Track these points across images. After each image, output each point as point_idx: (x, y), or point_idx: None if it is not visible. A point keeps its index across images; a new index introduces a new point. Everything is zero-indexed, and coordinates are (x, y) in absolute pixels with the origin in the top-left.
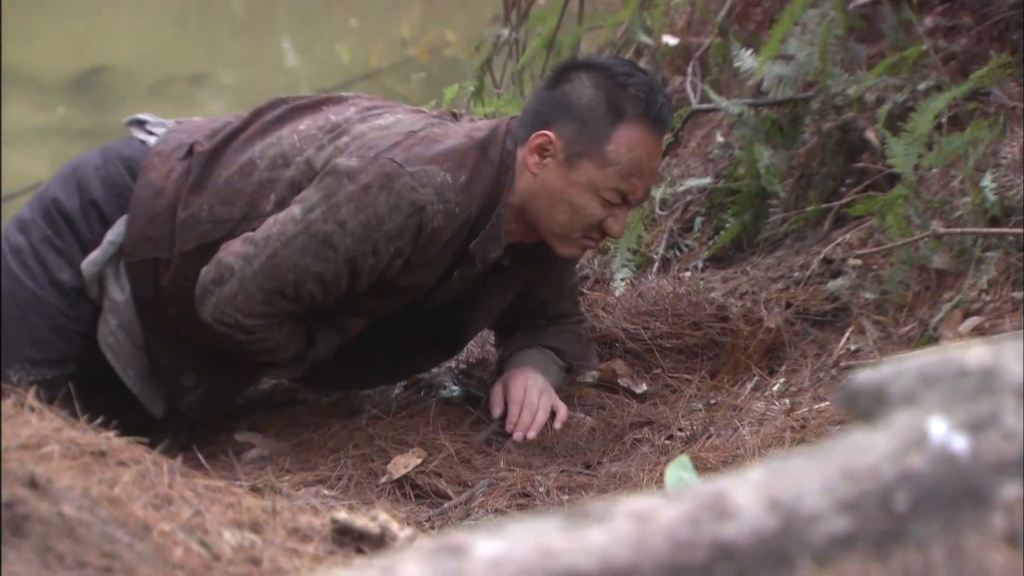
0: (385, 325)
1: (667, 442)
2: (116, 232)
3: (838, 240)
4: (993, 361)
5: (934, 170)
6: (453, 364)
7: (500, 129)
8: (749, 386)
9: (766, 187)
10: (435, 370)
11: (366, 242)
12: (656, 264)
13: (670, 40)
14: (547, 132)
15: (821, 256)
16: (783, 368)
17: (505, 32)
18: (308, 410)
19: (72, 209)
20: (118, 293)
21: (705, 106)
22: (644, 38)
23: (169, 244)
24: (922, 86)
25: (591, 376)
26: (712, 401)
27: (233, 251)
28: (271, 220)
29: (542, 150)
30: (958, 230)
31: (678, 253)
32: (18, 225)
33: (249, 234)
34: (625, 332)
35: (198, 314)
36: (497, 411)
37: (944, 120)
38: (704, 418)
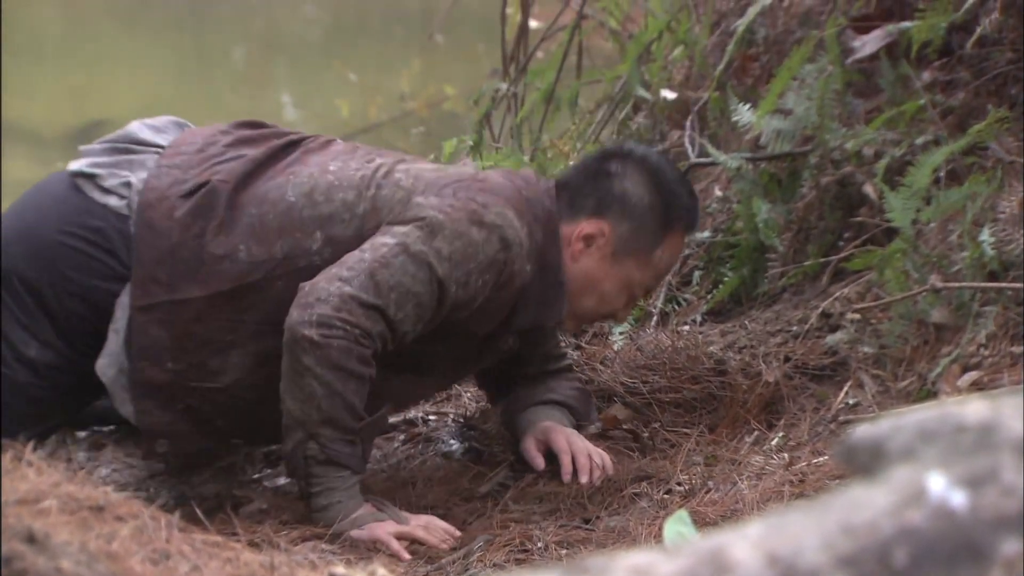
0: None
1: (666, 496)
2: (118, 319)
3: (836, 294)
4: (992, 416)
5: (932, 224)
6: (451, 418)
7: (540, 186)
8: (748, 440)
9: (764, 241)
10: (434, 424)
11: (461, 270)
12: (655, 318)
13: (668, 94)
14: (601, 223)
15: (819, 310)
16: (782, 422)
17: (503, 86)
18: None
19: (38, 282)
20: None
21: (703, 160)
22: (642, 92)
23: (184, 284)
24: (920, 140)
25: (595, 426)
26: (711, 455)
27: (324, 280)
28: (355, 253)
29: (589, 239)
30: (956, 284)
31: (676, 307)
32: None
33: (333, 270)
34: (623, 386)
35: (298, 336)
36: (540, 464)
37: (942, 174)
38: (703, 472)
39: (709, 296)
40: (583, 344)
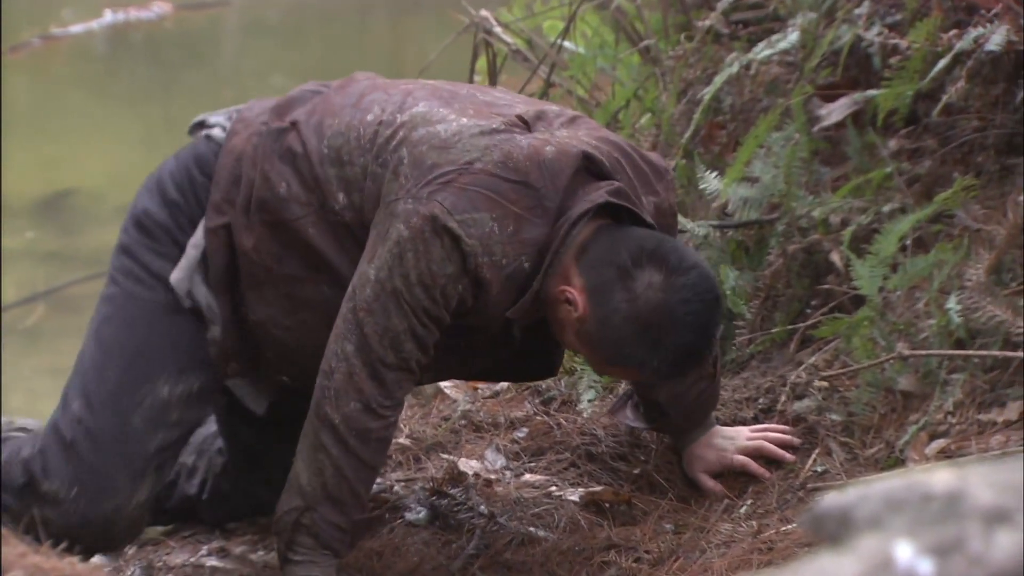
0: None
1: (634, 564)
2: (197, 236)
3: (805, 363)
4: (959, 485)
5: (899, 292)
6: (419, 485)
7: (565, 171)
8: (717, 508)
9: (732, 309)
10: (400, 491)
11: (435, 288)
12: (623, 384)
13: None
14: (584, 302)
15: (788, 379)
16: (750, 490)
17: None
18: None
19: (162, 218)
20: (211, 299)
21: None
22: None
23: (245, 208)
24: (887, 208)
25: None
26: (680, 523)
27: (333, 340)
28: (349, 291)
29: (568, 302)
30: (923, 352)
31: None
32: (121, 250)
33: (337, 322)
34: (592, 452)
35: (320, 412)
36: (718, 488)
37: (909, 242)
38: (671, 540)
39: None
40: (552, 411)
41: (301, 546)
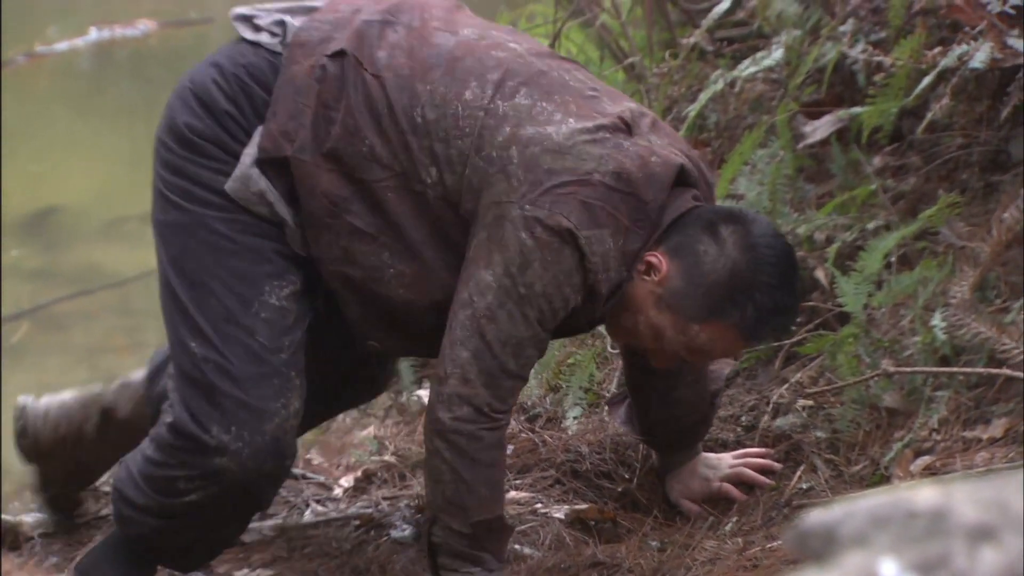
0: None
1: None
2: (254, 144)
3: (791, 380)
4: (943, 502)
5: (884, 309)
6: (404, 503)
7: (667, 184)
8: (702, 525)
9: None
10: (385, 509)
11: (558, 297)
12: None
13: None
14: (667, 263)
15: (773, 396)
16: (736, 507)
17: None
18: (257, 550)
19: (211, 131)
20: (273, 193)
21: None
22: None
23: (311, 147)
24: (871, 225)
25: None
26: (666, 540)
27: (448, 346)
28: (464, 298)
29: (650, 268)
30: (908, 369)
31: None
32: (170, 170)
33: (452, 328)
34: (576, 470)
35: (432, 416)
36: (698, 510)
37: (894, 259)
38: (656, 557)
39: None
40: (537, 428)
41: (444, 568)
